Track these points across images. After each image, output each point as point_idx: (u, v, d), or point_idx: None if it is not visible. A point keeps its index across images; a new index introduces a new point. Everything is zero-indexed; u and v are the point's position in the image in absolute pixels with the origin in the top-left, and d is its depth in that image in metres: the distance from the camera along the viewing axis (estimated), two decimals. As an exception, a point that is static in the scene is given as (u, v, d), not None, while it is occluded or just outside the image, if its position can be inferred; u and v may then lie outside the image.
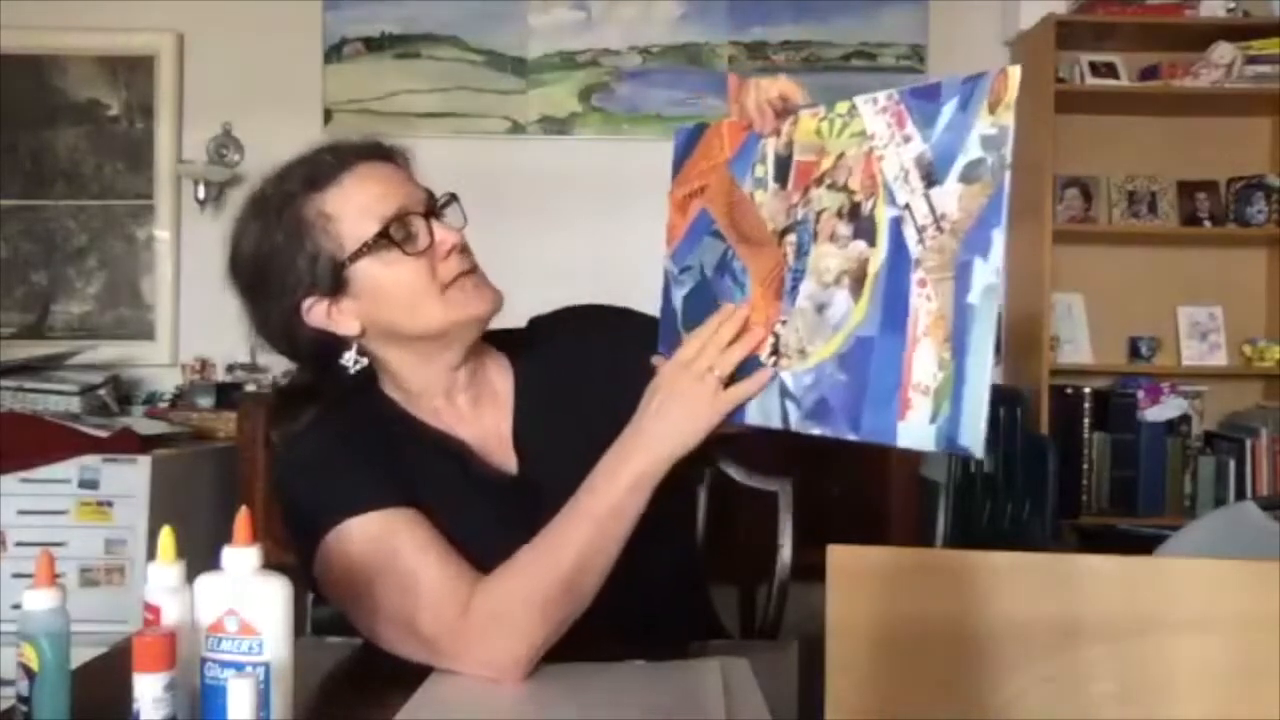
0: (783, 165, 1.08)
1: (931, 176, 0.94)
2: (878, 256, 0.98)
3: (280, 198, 1.22)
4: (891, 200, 0.97)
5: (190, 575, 0.91)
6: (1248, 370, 3.54)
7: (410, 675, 1.09)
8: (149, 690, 0.81)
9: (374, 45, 3.59)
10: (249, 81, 3.53)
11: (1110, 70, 3.49)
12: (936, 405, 0.92)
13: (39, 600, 0.86)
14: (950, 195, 0.92)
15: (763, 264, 1.09)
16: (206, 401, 3.34)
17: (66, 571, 2.67)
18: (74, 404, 3.09)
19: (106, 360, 3.42)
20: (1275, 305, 3.62)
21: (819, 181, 1.04)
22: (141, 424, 3.12)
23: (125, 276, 3.59)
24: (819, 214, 1.03)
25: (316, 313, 1.22)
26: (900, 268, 0.96)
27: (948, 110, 0.93)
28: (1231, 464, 3.41)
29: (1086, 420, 3.43)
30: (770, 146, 1.10)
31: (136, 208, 3.58)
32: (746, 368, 1.10)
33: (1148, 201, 3.57)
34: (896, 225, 0.96)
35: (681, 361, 1.11)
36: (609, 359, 1.27)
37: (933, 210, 0.93)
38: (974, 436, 0.91)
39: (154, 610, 0.89)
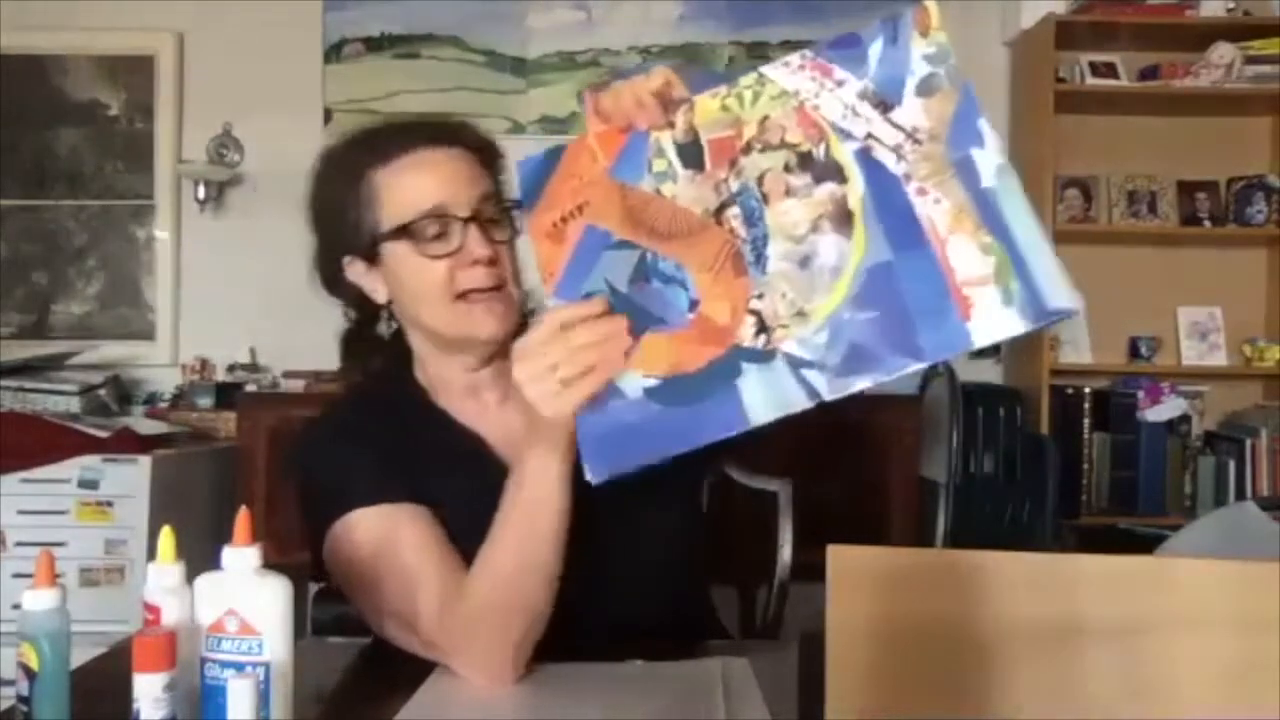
0: (690, 151, 1.03)
1: (885, 103, 0.96)
2: (855, 189, 0.96)
3: (347, 157, 1.27)
4: (847, 136, 0.97)
5: (190, 575, 0.91)
6: (1248, 370, 3.54)
7: (410, 675, 1.09)
8: (149, 690, 0.81)
9: (374, 45, 3.59)
10: (249, 81, 3.53)
11: (1110, 70, 3.49)
12: (1004, 287, 0.90)
13: (39, 600, 0.86)
14: (914, 110, 0.95)
15: (702, 251, 1.01)
16: (206, 401, 3.34)
17: (66, 571, 2.67)
18: (74, 404, 3.09)
19: (106, 360, 3.42)
20: (1275, 305, 3.62)
21: (746, 150, 1.01)
22: (141, 424, 3.12)
23: (125, 276, 3.58)
24: (760, 177, 1.00)
25: (354, 270, 1.27)
26: (887, 188, 0.95)
27: (876, 49, 0.97)
28: (1231, 464, 3.41)
29: (1086, 420, 3.43)
30: (666, 139, 1.04)
31: (136, 208, 3.58)
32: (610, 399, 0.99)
33: (1148, 201, 3.57)
34: (865, 155, 0.96)
35: (522, 353, 1.01)
36: None
37: (900, 128, 0.96)
38: (1063, 293, 0.88)
39: (154, 610, 0.89)
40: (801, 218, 0.98)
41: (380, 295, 1.26)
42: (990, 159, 0.92)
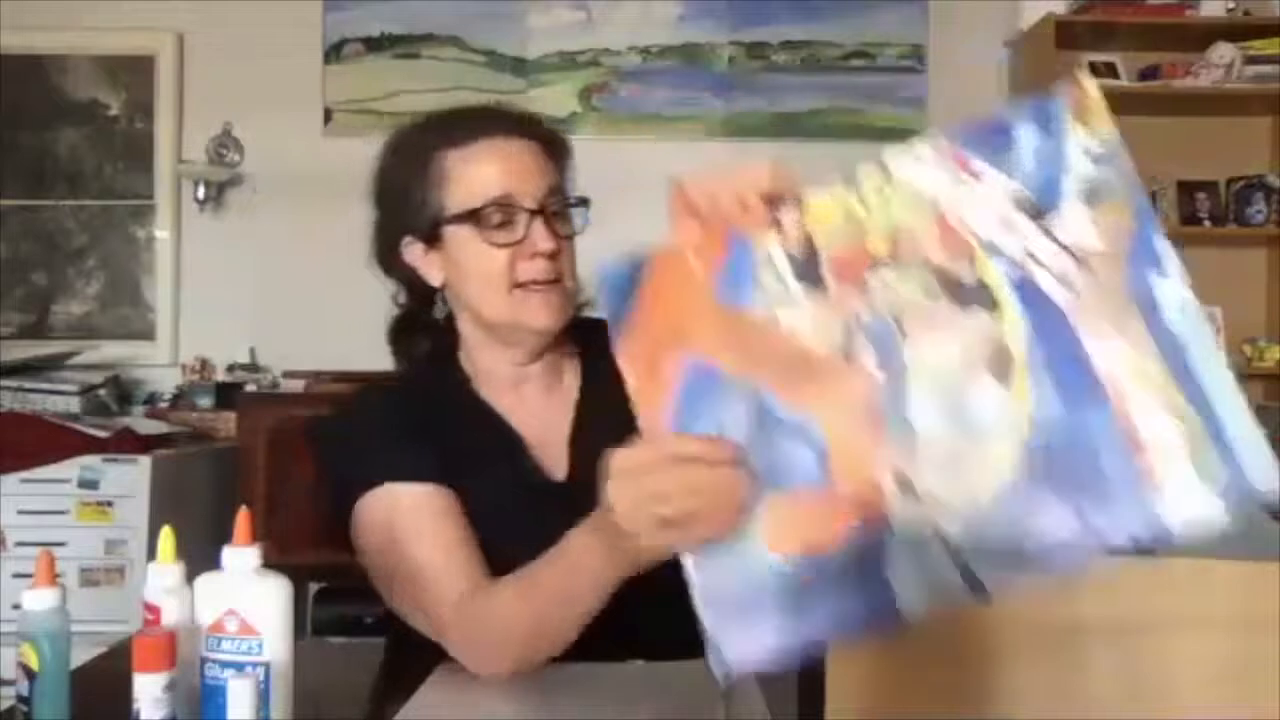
0: (807, 267, 0.84)
1: (1042, 212, 0.80)
2: (1013, 322, 0.79)
3: (418, 138, 1.27)
4: (997, 253, 0.80)
5: (190, 575, 0.91)
6: (1248, 370, 3.54)
7: (410, 675, 1.09)
8: (149, 690, 0.81)
9: (374, 45, 3.59)
10: (249, 81, 3.53)
11: (1110, 70, 3.49)
12: (1197, 460, 0.74)
13: (39, 600, 0.86)
14: (1080, 224, 0.79)
15: (831, 396, 0.83)
16: (206, 401, 3.34)
17: (66, 571, 2.67)
18: (74, 404, 3.09)
19: (106, 360, 3.42)
20: (1275, 305, 3.62)
21: (875, 268, 0.83)
22: (141, 424, 3.12)
23: (125, 276, 3.58)
24: (896, 304, 0.82)
25: (411, 252, 1.26)
26: (1052, 324, 0.79)
27: (1026, 138, 0.80)
28: (1232, 464, 3.41)
29: (1087, 420, 3.42)
30: (776, 249, 0.85)
31: (136, 208, 3.58)
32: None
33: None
34: (1023, 280, 0.80)
35: (626, 467, 0.86)
36: None
37: (1063, 246, 0.79)
38: (1269, 471, 0.73)
39: (154, 610, 0.89)
40: (949, 359, 0.81)
41: (435, 279, 1.26)
42: (1175, 291, 0.76)
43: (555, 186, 1.24)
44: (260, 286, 3.44)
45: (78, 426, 2.91)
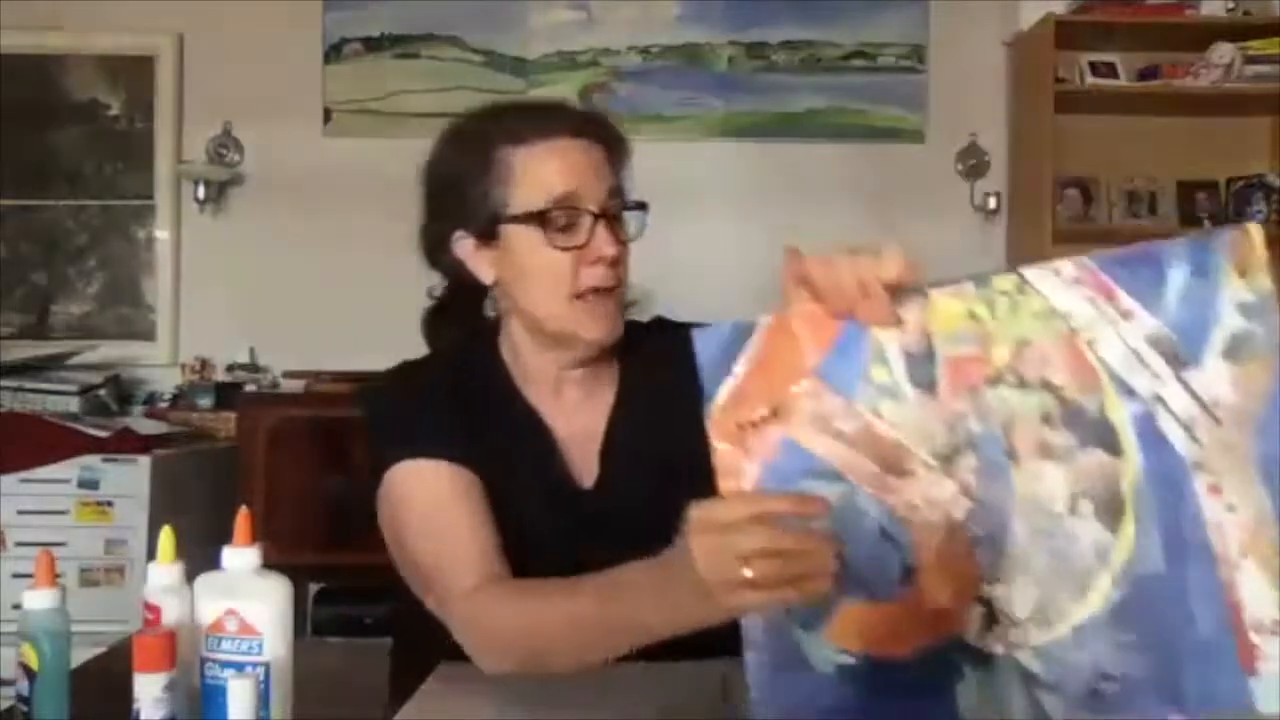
0: (921, 366, 0.80)
1: (1179, 358, 0.76)
2: (1129, 467, 0.77)
3: (481, 132, 1.24)
4: (1127, 392, 0.77)
5: (190, 575, 0.91)
6: (1248, 370, 3.54)
7: (410, 675, 1.09)
8: (149, 690, 0.81)
9: (374, 45, 3.59)
10: (249, 81, 3.53)
11: (1110, 70, 3.49)
12: None
13: (39, 600, 0.86)
14: (1217, 378, 0.76)
15: (925, 504, 0.80)
16: (206, 401, 3.34)
17: (66, 571, 2.67)
18: (74, 404, 3.10)
19: (106, 360, 3.42)
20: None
21: (994, 380, 0.79)
22: (141, 424, 3.12)
23: (125, 276, 3.58)
24: (1010, 423, 0.79)
25: (462, 247, 1.23)
26: (1170, 476, 0.76)
27: (1178, 278, 0.77)
28: (1232, 464, 3.40)
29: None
30: (891, 342, 0.80)
31: (136, 208, 3.58)
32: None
33: (1148, 201, 3.57)
34: (1148, 423, 0.76)
35: (711, 522, 0.79)
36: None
37: (1197, 398, 0.76)
38: None
39: (154, 610, 0.89)
40: (1057, 490, 0.78)
41: (486, 276, 1.23)
42: None
43: (615, 189, 1.21)
44: (260, 286, 3.44)
45: (78, 426, 2.91)
